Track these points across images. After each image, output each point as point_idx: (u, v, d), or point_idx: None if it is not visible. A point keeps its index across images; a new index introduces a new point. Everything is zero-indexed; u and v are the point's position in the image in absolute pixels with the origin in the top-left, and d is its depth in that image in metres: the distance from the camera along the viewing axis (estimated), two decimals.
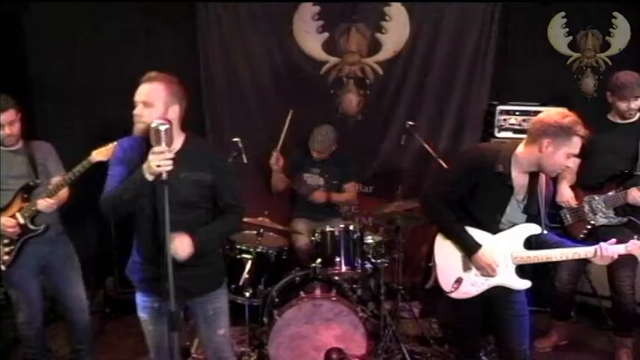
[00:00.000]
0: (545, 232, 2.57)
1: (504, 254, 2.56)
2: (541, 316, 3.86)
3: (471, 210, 2.58)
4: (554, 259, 2.54)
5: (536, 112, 4.19)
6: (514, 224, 2.57)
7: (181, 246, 2.24)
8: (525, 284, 2.59)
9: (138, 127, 2.30)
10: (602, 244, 2.46)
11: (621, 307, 3.47)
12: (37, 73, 4.31)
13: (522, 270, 2.60)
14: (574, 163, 2.49)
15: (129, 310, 4.22)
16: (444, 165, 3.80)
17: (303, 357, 3.23)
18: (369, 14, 4.56)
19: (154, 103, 2.27)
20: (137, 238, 2.43)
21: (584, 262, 3.21)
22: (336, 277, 3.48)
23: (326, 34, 4.57)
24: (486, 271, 2.56)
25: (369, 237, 3.74)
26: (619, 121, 3.40)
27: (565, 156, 2.41)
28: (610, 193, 3.35)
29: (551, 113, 2.45)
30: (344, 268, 3.43)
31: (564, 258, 2.54)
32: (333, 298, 3.28)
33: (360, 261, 3.48)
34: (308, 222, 4.08)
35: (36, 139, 3.26)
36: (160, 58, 4.50)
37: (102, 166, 4.24)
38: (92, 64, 4.43)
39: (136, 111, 2.29)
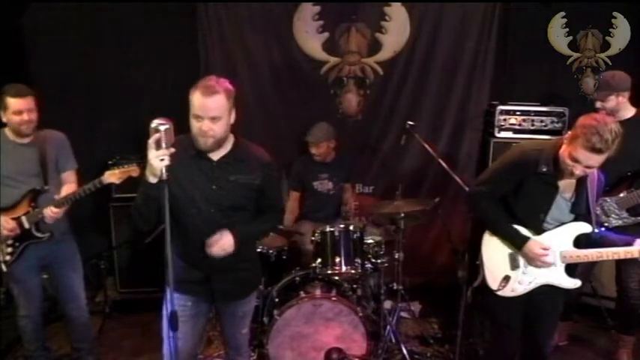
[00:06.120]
0: (596, 230, 2.52)
1: (553, 253, 2.53)
2: None
3: (514, 209, 2.55)
4: (605, 258, 2.50)
5: (537, 112, 4.30)
6: (561, 223, 2.53)
7: (227, 243, 2.29)
8: (575, 283, 2.56)
9: (207, 143, 2.24)
10: None
11: (627, 304, 3.45)
12: (37, 73, 4.30)
13: (570, 269, 2.56)
14: (582, 171, 2.38)
15: (129, 310, 4.30)
16: (444, 165, 3.79)
17: (303, 357, 3.23)
18: (369, 14, 4.55)
19: (222, 115, 2.23)
20: (178, 243, 2.32)
21: (595, 262, 3.18)
22: (336, 277, 3.48)
23: (326, 34, 4.57)
24: (539, 261, 2.50)
25: (369, 237, 3.74)
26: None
27: (568, 154, 2.35)
28: (622, 195, 3.31)
29: (596, 115, 2.39)
30: (344, 268, 3.42)
31: (616, 257, 2.50)
32: (333, 298, 3.28)
33: (360, 261, 3.47)
34: (313, 224, 4.04)
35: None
36: (160, 58, 4.51)
37: (102, 166, 4.31)
38: (92, 64, 4.42)
39: (204, 127, 2.20)
